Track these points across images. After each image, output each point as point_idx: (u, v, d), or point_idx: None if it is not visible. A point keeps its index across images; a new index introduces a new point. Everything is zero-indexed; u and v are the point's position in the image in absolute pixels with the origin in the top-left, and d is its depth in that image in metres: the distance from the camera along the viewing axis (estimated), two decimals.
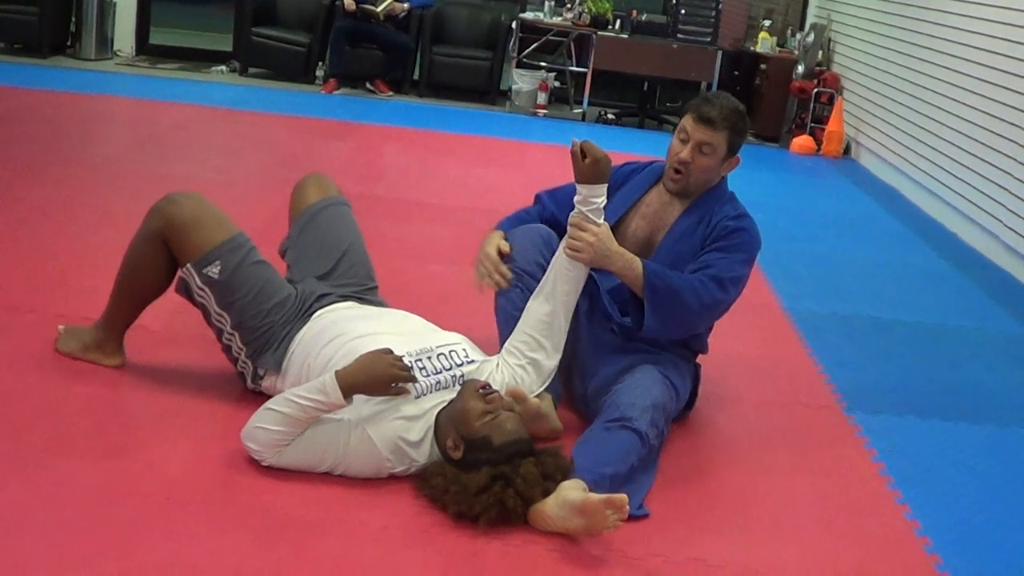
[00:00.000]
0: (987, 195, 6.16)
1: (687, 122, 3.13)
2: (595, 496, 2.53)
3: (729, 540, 2.74)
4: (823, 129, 8.90)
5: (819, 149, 8.87)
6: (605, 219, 3.06)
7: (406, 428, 2.74)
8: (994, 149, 6.14)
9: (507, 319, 3.16)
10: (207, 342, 3.13)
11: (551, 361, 3.04)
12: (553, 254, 3.14)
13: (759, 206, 6.66)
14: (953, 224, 6.62)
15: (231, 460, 2.77)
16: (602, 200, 3.03)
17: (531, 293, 3.11)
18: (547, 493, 2.61)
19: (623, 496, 2.51)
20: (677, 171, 3.16)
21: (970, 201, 6.39)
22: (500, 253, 3.23)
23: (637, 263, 3.05)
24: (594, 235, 3.01)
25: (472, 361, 2.94)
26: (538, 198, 3.47)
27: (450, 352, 2.92)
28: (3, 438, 2.79)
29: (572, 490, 2.58)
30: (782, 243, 5.84)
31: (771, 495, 3.02)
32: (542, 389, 3.02)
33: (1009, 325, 4.93)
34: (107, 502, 2.55)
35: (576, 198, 3.04)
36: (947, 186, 6.77)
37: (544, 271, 3.13)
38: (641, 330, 3.08)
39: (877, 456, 3.30)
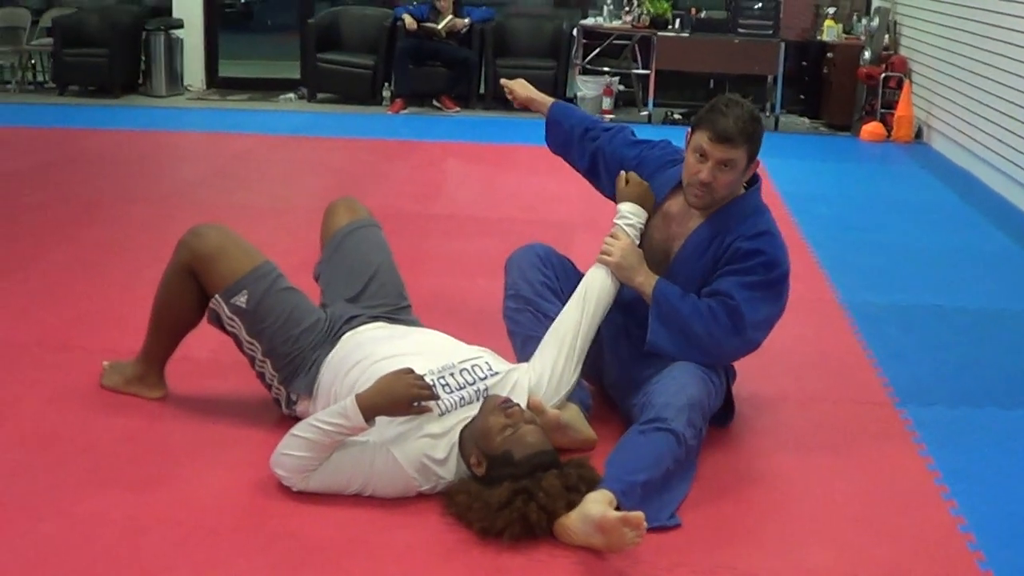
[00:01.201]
0: None
1: (702, 140, 2.94)
2: (612, 513, 2.49)
3: (762, 545, 2.69)
4: (893, 115, 8.69)
5: (889, 135, 8.66)
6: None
7: (431, 446, 2.75)
8: None
9: (524, 342, 3.19)
10: (248, 370, 3.18)
11: (572, 368, 3.01)
12: (551, 269, 3.28)
13: (826, 198, 6.65)
14: None
15: (263, 487, 2.80)
16: (639, 222, 3.14)
17: (541, 315, 3.17)
18: (572, 506, 2.59)
19: (639, 514, 2.46)
20: (698, 191, 3.02)
21: None
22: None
23: (653, 281, 3.06)
24: (627, 245, 3.08)
25: (496, 373, 2.93)
26: (606, 130, 3.46)
27: (472, 367, 2.92)
28: (42, 471, 2.88)
29: (595, 504, 2.55)
30: (845, 233, 5.75)
31: (809, 496, 2.95)
32: (561, 398, 2.99)
33: None
34: (139, 532, 2.60)
35: (616, 216, 3.15)
36: (1020, 166, 6.54)
37: (548, 288, 3.24)
38: (645, 345, 3.06)
39: (926, 450, 3.20)
